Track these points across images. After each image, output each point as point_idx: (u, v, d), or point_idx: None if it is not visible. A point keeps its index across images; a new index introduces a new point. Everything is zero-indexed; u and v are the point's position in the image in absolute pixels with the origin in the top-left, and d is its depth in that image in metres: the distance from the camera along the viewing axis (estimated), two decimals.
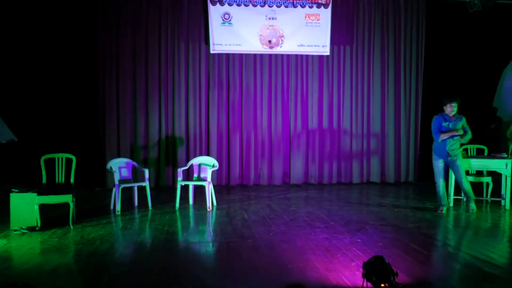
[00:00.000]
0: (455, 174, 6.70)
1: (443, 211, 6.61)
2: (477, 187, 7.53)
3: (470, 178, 7.31)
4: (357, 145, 9.36)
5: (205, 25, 8.76)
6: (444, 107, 6.54)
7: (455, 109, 6.49)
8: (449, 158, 6.54)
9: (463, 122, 6.57)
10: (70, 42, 8.43)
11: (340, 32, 9.14)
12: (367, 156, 9.39)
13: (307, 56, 9.12)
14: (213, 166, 7.07)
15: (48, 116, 8.47)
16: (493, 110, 10.01)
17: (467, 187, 6.67)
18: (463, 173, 6.60)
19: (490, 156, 7.05)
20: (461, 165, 6.58)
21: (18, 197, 5.57)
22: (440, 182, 6.64)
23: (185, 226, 6.11)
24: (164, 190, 8.49)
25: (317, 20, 8.94)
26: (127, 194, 7.38)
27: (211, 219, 6.41)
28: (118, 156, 8.36)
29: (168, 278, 4.10)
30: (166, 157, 8.84)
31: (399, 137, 9.43)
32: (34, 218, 5.59)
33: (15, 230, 5.55)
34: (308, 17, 8.93)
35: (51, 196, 5.68)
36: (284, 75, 9.14)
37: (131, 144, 8.70)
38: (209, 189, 6.88)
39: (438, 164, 6.62)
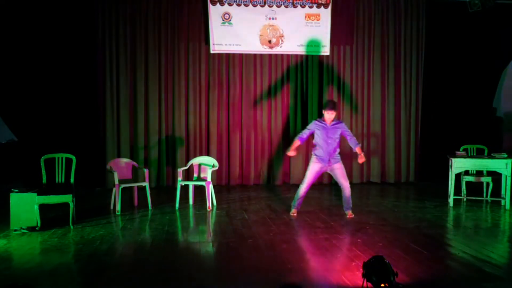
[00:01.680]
0: (338, 178, 6.37)
1: (295, 214, 6.43)
2: (477, 187, 7.55)
3: (470, 178, 7.32)
4: None
5: (205, 25, 8.76)
6: (323, 111, 6.33)
7: (332, 116, 6.25)
8: (331, 165, 6.30)
9: (341, 128, 6.35)
10: (69, 42, 8.41)
11: (340, 32, 9.13)
12: (367, 156, 9.33)
13: (307, 56, 9.12)
14: (213, 166, 7.07)
15: (48, 116, 8.46)
16: (493, 110, 10.02)
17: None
18: (346, 175, 6.40)
19: (490, 156, 7.04)
20: (342, 167, 6.38)
21: (18, 197, 5.57)
22: (304, 186, 6.35)
23: (185, 226, 6.11)
24: (164, 190, 8.49)
25: (317, 20, 8.94)
26: (127, 194, 7.38)
27: (211, 219, 6.42)
28: (118, 156, 8.36)
29: (168, 278, 4.10)
30: (166, 157, 8.84)
31: (399, 137, 9.43)
32: (34, 218, 5.59)
33: (15, 230, 5.55)
34: (308, 17, 8.93)
35: (51, 196, 5.68)
36: (284, 75, 9.14)
37: (131, 144, 8.70)
38: (209, 189, 6.88)
39: (315, 169, 6.31)
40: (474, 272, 4.26)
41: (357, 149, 6.45)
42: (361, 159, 6.46)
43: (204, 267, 4.48)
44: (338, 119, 6.50)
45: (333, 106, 6.30)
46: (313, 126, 6.42)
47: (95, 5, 8.43)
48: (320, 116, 9.08)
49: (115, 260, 4.68)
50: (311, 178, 6.38)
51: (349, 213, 6.41)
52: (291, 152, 6.46)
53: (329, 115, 6.27)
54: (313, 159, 6.38)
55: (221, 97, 8.97)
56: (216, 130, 8.94)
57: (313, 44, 8.99)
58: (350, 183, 9.15)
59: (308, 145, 9.18)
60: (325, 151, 6.26)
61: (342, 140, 9.53)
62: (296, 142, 6.44)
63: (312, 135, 6.45)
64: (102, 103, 8.56)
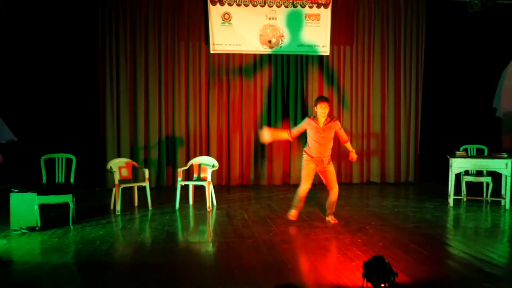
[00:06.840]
0: (328, 181, 5.94)
1: (295, 216, 6.05)
2: (477, 187, 7.55)
3: (470, 178, 7.32)
4: (357, 145, 9.34)
5: (205, 25, 8.76)
6: (315, 108, 5.86)
7: (326, 110, 5.75)
8: (323, 166, 5.90)
9: (336, 127, 5.91)
10: (70, 42, 8.42)
11: (340, 32, 9.13)
12: (367, 156, 9.39)
13: (307, 56, 9.11)
14: (213, 166, 7.07)
15: (48, 116, 8.46)
16: (493, 110, 10.02)
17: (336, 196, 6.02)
18: (335, 179, 6.00)
19: (490, 156, 7.04)
20: (333, 170, 5.96)
21: (18, 197, 5.57)
22: (307, 186, 5.90)
23: (185, 226, 6.11)
24: (164, 190, 8.49)
25: (317, 20, 8.94)
26: (127, 194, 7.38)
27: (211, 219, 6.41)
28: (118, 156, 8.36)
29: (168, 278, 4.10)
30: (166, 157, 8.84)
31: (399, 137, 9.43)
32: (34, 218, 5.59)
33: (15, 230, 5.55)
34: (308, 17, 8.93)
35: (51, 196, 5.68)
36: (284, 75, 9.14)
37: (131, 144, 8.70)
38: (209, 189, 6.89)
39: (311, 167, 5.89)
40: (474, 272, 4.26)
41: (347, 145, 6.08)
42: (353, 156, 6.05)
43: (204, 267, 4.47)
44: (332, 117, 5.97)
45: (324, 98, 5.88)
46: (304, 124, 5.98)
47: (95, 5, 8.43)
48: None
49: (115, 260, 4.68)
50: (311, 177, 5.93)
51: (333, 219, 6.05)
52: (267, 136, 5.92)
53: (322, 109, 5.75)
54: (305, 158, 5.94)
55: (221, 97, 8.97)
56: (216, 130, 8.94)
57: (313, 44, 8.99)
58: (350, 183, 9.29)
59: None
60: (317, 151, 5.86)
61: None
62: (284, 133, 6.06)
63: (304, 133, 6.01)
64: (102, 103, 8.56)
